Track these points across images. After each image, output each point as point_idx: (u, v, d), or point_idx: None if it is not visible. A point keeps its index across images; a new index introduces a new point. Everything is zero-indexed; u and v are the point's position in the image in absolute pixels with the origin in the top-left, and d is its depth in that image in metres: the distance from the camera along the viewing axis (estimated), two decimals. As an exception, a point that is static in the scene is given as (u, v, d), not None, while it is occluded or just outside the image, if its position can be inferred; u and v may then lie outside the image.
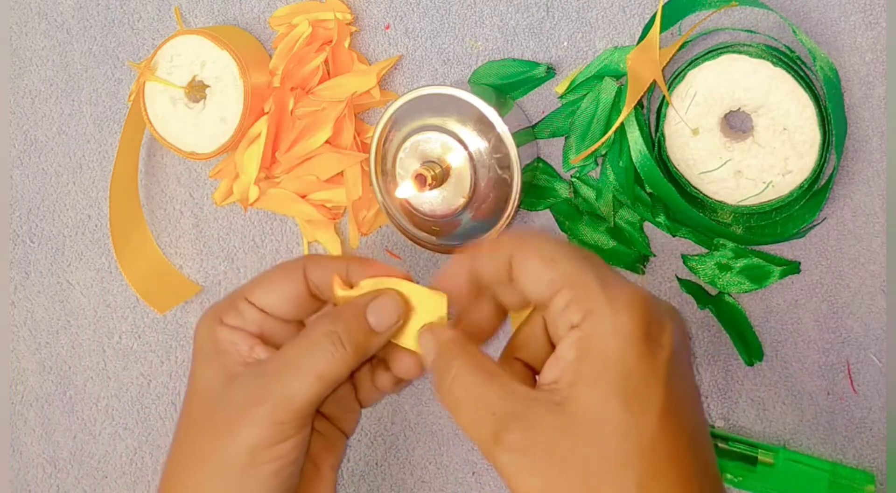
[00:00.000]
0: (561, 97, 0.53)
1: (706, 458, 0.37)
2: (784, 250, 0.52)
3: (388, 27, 0.56)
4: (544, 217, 0.54)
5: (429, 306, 0.42)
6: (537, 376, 0.39)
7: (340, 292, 0.43)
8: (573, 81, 0.52)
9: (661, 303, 0.38)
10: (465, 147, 0.49)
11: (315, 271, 0.44)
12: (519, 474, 0.36)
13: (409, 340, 0.43)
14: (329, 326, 0.42)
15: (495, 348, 0.55)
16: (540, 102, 0.54)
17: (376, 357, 0.45)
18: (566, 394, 0.36)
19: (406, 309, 0.42)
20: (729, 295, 0.52)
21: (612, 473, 0.34)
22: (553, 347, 0.41)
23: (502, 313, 0.43)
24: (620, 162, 0.51)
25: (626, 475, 0.34)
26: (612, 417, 0.35)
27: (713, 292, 0.53)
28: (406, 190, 0.49)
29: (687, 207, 0.50)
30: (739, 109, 0.49)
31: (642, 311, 0.36)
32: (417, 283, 0.43)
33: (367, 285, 0.43)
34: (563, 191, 0.53)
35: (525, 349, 0.42)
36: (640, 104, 0.51)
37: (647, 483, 0.34)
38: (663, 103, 0.50)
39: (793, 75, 0.48)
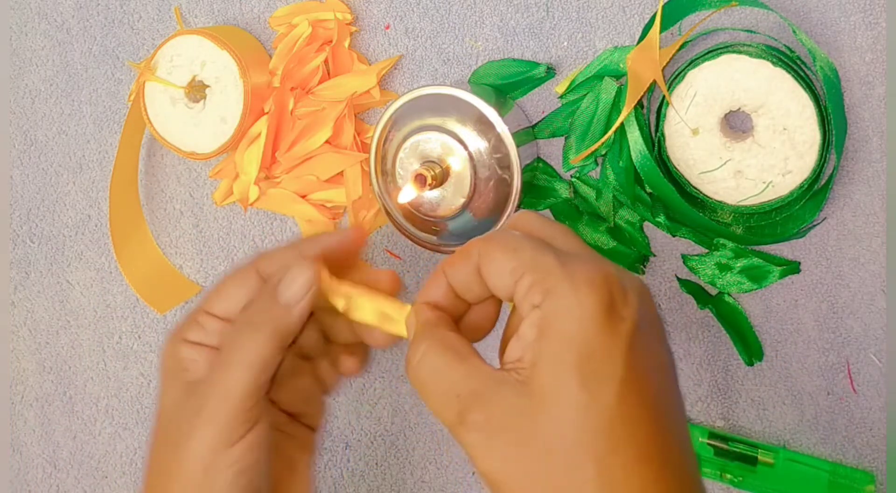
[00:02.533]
0: (561, 97, 0.53)
1: (673, 429, 0.36)
2: (784, 249, 0.52)
3: (388, 27, 0.56)
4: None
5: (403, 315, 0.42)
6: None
7: (327, 283, 0.43)
8: (573, 81, 0.52)
9: (624, 275, 0.37)
10: (465, 147, 0.49)
11: (267, 267, 0.43)
12: (481, 453, 0.36)
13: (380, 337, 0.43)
14: (244, 314, 0.42)
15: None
16: (540, 102, 0.54)
17: (335, 345, 0.45)
18: (528, 373, 0.36)
19: (317, 274, 0.42)
20: (729, 295, 0.52)
21: (570, 451, 0.34)
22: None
23: (492, 311, 0.43)
24: (620, 162, 0.51)
25: (583, 453, 0.34)
26: (570, 395, 0.35)
27: (713, 292, 0.53)
28: (407, 194, 0.49)
29: (687, 207, 0.50)
30: (739, 109, 0.49)
31: (602, 286, 0.36)
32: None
33: (357, 300, 0.43)
34: (563, 191, 0.53)
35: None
36: (640, 104, 0.51)
37: (605, 460, 0.34)
38: (663, 103, 0.50)
39: (793, 75, 0.48)
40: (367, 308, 0.42)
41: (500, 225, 0.50)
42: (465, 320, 0.42)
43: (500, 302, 0.43)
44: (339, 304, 0.43)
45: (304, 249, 0.44)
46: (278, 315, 0.42)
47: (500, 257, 0.38)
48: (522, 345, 0.36)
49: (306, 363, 0.46)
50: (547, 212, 0.54)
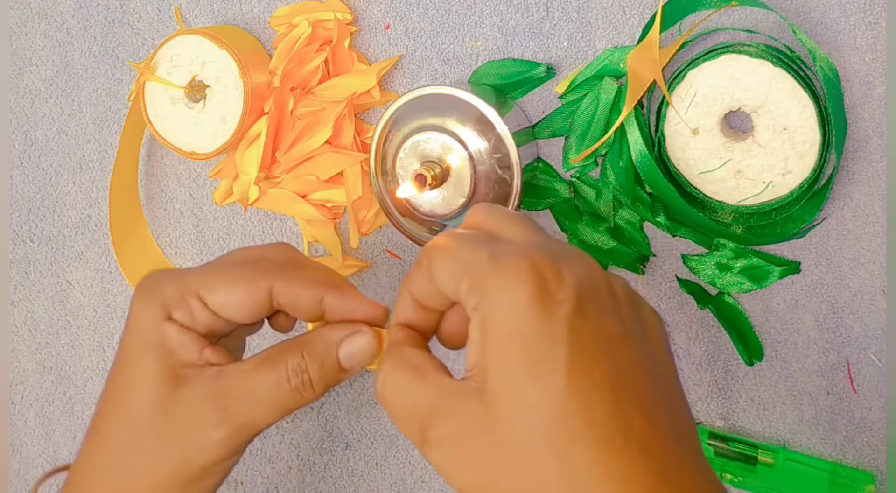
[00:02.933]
0: (561, 97, 0.53)
1: (645, 403, 0.33)
2: (784, 249, 0.52)
3: (388, 27, 0.56)
4: (544, 217, 0.54)
5: None
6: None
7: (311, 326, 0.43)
8: (573, 81, 0.52)
9: (560, 256, 0.35)
10: (465, 147, 0.49)
11: (284, 293, 0.42)
12: (449, 469, 0.35)
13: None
14: (300, 362, 0.41)
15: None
16: (540, 102, 0.54)
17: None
18: (480, 379, 0.34)
19: (379, 349, 0.41)
20: (729, 295, 0.52)
21: (530, 451, 0.33)
22: None
23: (463, 314, 0.41)
24: (620, 162, 0.51)
25: (543, 450, 0.33)
26: (520, 392, 0.33)
27: (713, 292, 0.53)
28: (407, 190, 0.49)
29: (687, 207, 0.50)
30: (739, 109, 0.49)
31: (531, 272, 0.34)
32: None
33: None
34: (563, 191, 0.53)
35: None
36: (640, 104, 0.51)
37: (564, 453, 0.32)
38: (663, 103, 0.50)
39: (793, 75, 0.48)
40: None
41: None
42: (441, 330, 0.41)
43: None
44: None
45: (337, 302, 0.42)
46: (333, 379, 0.42)
47: (442, 261, 0.37)
48: (472, 350, 0.35)
49: None
50: (546, 212, 0.54)
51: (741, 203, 0.50)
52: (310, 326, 0.43)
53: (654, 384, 0.34)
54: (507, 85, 0.54)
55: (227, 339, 0.44)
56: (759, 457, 0.51)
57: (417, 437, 0.36)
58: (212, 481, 0.41)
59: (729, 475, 0.51)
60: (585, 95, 0.52)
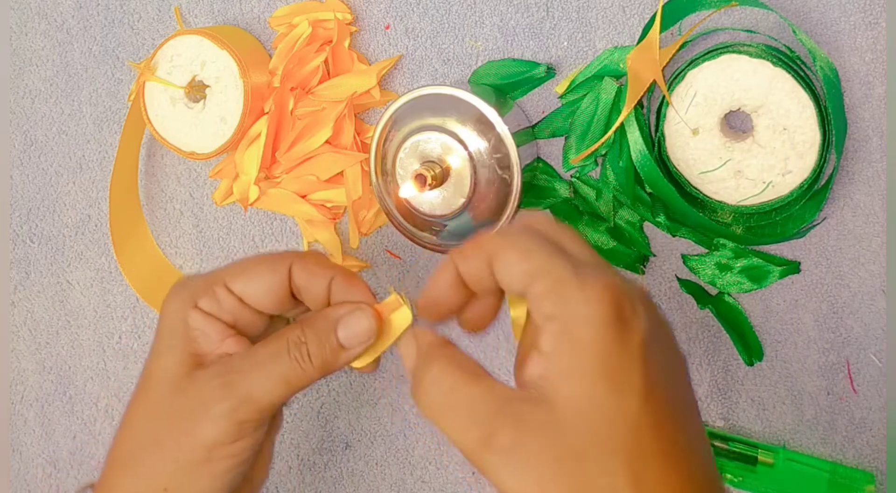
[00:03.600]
0: (561, 97, 0.53)
1: (692, 432, 0.37)
2: (784, 250, 0.52)
3: (388, 27, 0.56)
4: (544, 217, 0.54)
5: (394, 324, 0.42)
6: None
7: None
8: (573, 81, 0.52)
9: (632, 286, 0.37)
10: (465, 147, 0.49)
11: (301, 273, 0.43)
12: (512, 476, 0.35)
13: (364, 359, 0.43)
14: (299, 335, 0.42)
15: (490, 352, 0.55)
16: (540, 102, 0.54)
17: None
18: (550, 389, 0.35)
19: (378, 328, 0.42)
20: (729, 295, 0.52)
21: (603, 459, 0.34)
22: None
23: (495, 303, 0.42)
24: (620, 162, 0.51)
25: (614, 461, 0.34)
26: (595, 405, 0.35)
27: (713, 292, 0.53)
28: (407, 190, 0.49)
29: (687, 207, 0.50)
30: (739, 109, 0.49)
31: (613, 296, 0.36)
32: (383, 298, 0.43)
33: None
34: (563, 191, 0.53)
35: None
36: (640, 104, 0.51)
37: (635, 466, 0.34)
38: (663, 103, 0.50)
39: (793, 75, 0.48)
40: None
41: (499, 226, 0.50)
42: (468, 311, 0.41)
43: (502, 295, 0.43)
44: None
45: (343, 286, 0.43)
46: (331, 355, 0.42)
47: (514, 257, 0.38)
48: (542, 360, 0.36)
49: None
50: (547, 212, 0.54)
51: (741, 203, 0.50)
52: None
53: (697, 414, 0.38)
54: (507, 85, 0.54)
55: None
56: (759, 457, 0.51)
57: (476, 442, 0.36)
58: (220, 466, 0.41)
59: (729, 475, 0.51)
60: (585, 95, 0.52)
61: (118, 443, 0.43)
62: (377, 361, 0.44)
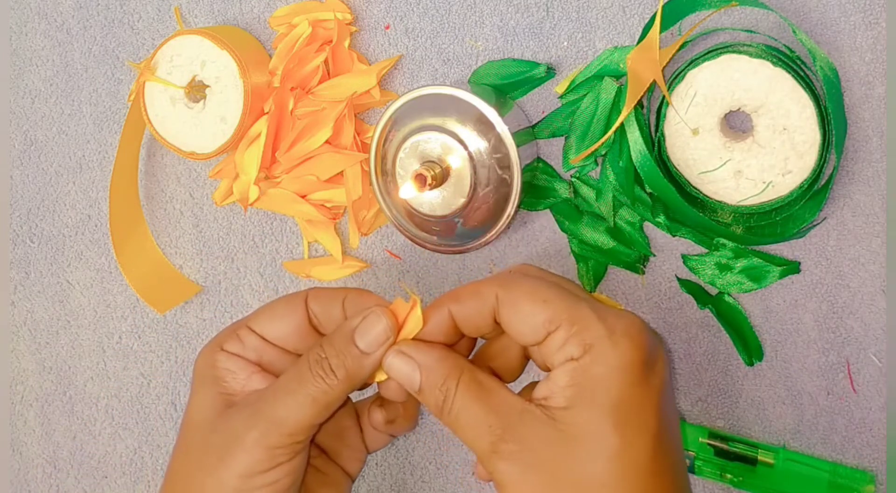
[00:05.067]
0: (561, 97, 0.53)
1: (684, 477, 0.39)
2: (784, 250, 0.52)
3: (388, 27, 0.56)
4: (544, 217, 0.54)
5: (408, 326, 0.43)
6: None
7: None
8: (573, 81, 0.52)
9: (652, 331, 0.39)
10: (465, 147, 0.49)
11: (316, 302, 0.44)
12: (513, 482, 0.37)
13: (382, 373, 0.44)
14: (319, 352, 0.42)
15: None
16: (540, 102, 0.54)
17: (373, 401, 0.46)
18: (560, 412, 0.37)
19: (394, 324, 0.42)
20: (729, 295, 0.52)
21: (602, 489, 0.36)
22: (525, 359, 0.44)
23: (472, 340, 0.45)
24: (620, 162, 0.51)
25: (615, 489, 0.36)
26: (605, 437, 0.36)
27: (713, 292, 0.53)
28: (407, 190, 0.49)
29: (687, 207, 0.50)
30: (739, 109, 0.49)
31: (640, 340, 0.38)
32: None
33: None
34: (563, 191, 0.53)
35: (495, 360, 0.44)
36: (640, 104, 0.51)
37: None
38: (663, 103, 0.50)
39: (793, 75, 0.48)
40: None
41: (499, 226, 0.50)
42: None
43: (487, 336, 0.44)
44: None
45: (356, 299, 0.44)
46: (354, 363, 0.42)
47: (529, 307, 0.39)
48: (551, 387, 0.38)
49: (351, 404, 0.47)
50: (546, 212, 0.54)
51: (741, 203, 0.50)
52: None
53: (683, 461, 0.41)
54: (507, 85, 0.54)
55: None
56: (759, 457, 0.51)
57: (487, 448, 0.38)
58: (273, 477, 0.41)
59: (729, 475, 0.51)
60: (585, 95, 0.52)
61: (162, 490, 0.43)
62: (415, 419, 0.46)
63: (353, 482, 0.47)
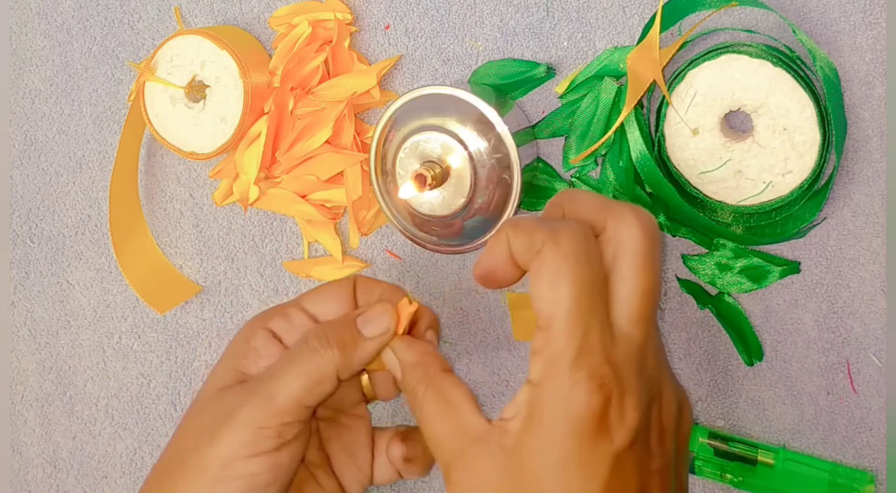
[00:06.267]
0: (561, 97, 0.53)
1: None
2: (784, 250, 0.52)
3: (388, 27, 0.56)
4: (544, 217, 0.54)
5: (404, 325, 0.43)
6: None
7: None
8: (573, 81, 0.52)
9: (636, 370, 0.35)
10: (465, 147, 0.49)
11: (361, 290, 0.45)
12: None
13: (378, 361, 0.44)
14: (317, 329, 0.42)
15: (485, 341, 0.54)
16: (540, 102, 0.54)
17: (396, 433, 0.46)
18: (511, 446, 0.35)
19: (398, 324, 0.43)
20: (729, 295, 0.52)
21: None
22: None
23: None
24: (620, 162, 0.51)
25: None
26: (547, 484, 0.34)
27: (713, 292, 0.53)
28: (407, 191, 0.49)
29: (687, 207, 0.50)
30: (739, 109, 0.49)
31: (599, 401, 0.34)
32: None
33: None
34: (563, 191, 0.53)
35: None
36: (640, 104, 0.51)
37: None
38: (663, 103, 0.50)
39: (793, 75, 0.48)
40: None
41: (500, 226, 0.50)
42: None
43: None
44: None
45: (388, 292, 0.44)
46: (351, 339, 0.42)
47: (547, 284, 0.35)
48: (515, 410, 0.36)
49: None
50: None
51: (741, 203, 0.50)
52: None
53: None
54: (507, 85, 0.54)
55: None
56: (759, 457, 0.51)
57: (442, 468, 0.37)
58: (235, 486, 0.39)
59: (729, 475, 0.51)
60: (585, 95, 0.52)
61: (154, 467, 0.43)
62: (431, 466, 0.45)
63: None
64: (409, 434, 0.45)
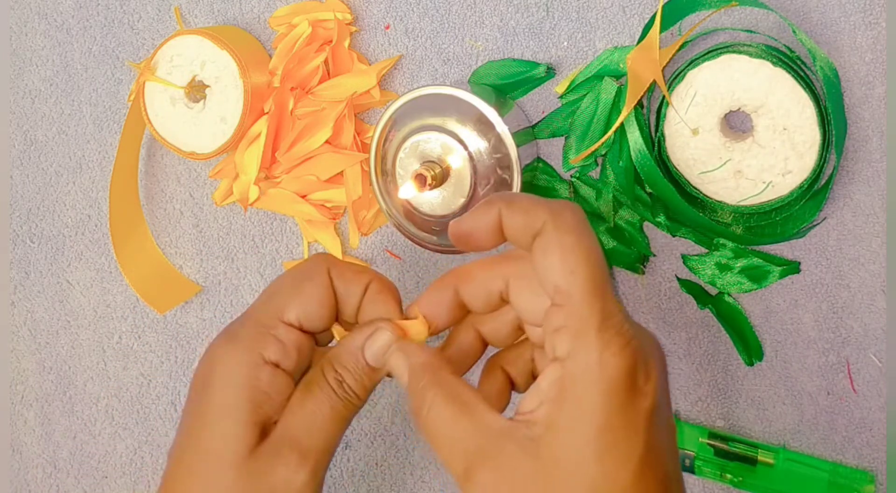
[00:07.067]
0: (561, 97, 0.53)
1: (675, 484, 0.36)
2: (784, 250, 0.52)
3: (388, 27, 0.56)
4: (544, 217, 0.54)
5: (412, 338, 0.43)
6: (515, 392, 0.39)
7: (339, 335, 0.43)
8: (573, 81, 0.52)
9: (646, 339, 0.36)
10: (465, 147, 0.49)
11: (340, 281, 0.43)
12: None
13: None
14: (335, 375, 0.41)
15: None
16: (540, 102, 0.54)
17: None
18: (541, 433, 0.35)
19: (399, 335, 0.42)
20: (729, 295, 0.52)
21: None
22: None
23: (483, 345, 0.43)
24: (620, 162, 0.51)
25: None
26: (584, 468, 0.34)
27: (713, 292, 0.53)
28: (407, 191, 0.49)
29: (687, 207, 0.50)
30: (739, 109, 0.49)
31: (630, 359, 0.35)
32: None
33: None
34: (563, 191, 0.53)
35: (511, 365, 0.42)
36: (640, 104, 0.51)
37: None
38: (663, 103, 0.50)
39: (793, 75, 0.48)
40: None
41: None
42: (450, 354, 0.42)
43: (485, 345, 0.43)
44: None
45: (374, 294, 0.43)
46: (369, 380, 0.42)
47: (557, 258, 0.36)
48: (539, 398, 0.36)
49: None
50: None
51: (741, 203, 0.50)
52: (337, 337, 0.44)
53: (679, 481, 0.37)
54: (507, 85, 0.54)
55: None
56: (759, 457, 0.51)
57: (461, 473, 0.36)
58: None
59: (729, 475, 0.51)
60: (585, 95, 0.52)
61: None
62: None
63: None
64: None
